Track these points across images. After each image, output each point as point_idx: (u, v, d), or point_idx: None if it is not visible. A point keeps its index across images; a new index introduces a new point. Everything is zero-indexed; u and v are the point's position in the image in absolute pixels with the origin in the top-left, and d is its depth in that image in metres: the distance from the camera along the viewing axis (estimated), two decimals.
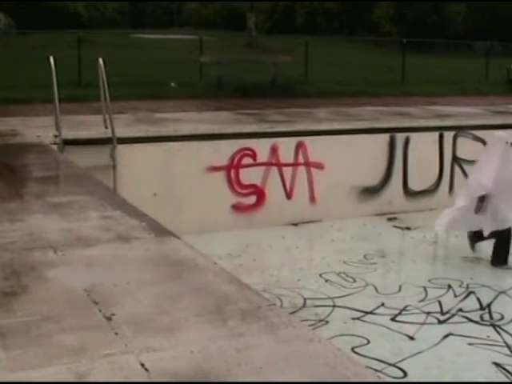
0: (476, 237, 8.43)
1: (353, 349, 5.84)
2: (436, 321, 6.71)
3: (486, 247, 9.41)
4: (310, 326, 6.03)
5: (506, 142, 8.21)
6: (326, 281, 7.79)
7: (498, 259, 8.27)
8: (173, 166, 9.17)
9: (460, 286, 7.62)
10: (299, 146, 10.04)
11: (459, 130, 11.37)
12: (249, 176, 9.72)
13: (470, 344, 6.18)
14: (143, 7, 38.18)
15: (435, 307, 7.02)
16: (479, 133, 11.48)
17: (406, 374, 5.55)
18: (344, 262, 8.42)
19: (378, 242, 9.47)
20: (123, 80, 13.67)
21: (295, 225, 9.94)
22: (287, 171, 10.01)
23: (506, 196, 8.12)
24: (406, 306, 7.01)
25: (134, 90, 13.53)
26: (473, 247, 8.52)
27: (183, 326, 2.92)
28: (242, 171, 9.67)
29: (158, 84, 14.63)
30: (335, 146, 10.16)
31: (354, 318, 6.70)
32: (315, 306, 7.00)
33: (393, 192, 10.76)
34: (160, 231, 4.42)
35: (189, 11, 39.97)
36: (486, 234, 8.20)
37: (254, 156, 9.76)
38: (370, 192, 10.59)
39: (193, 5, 39.62)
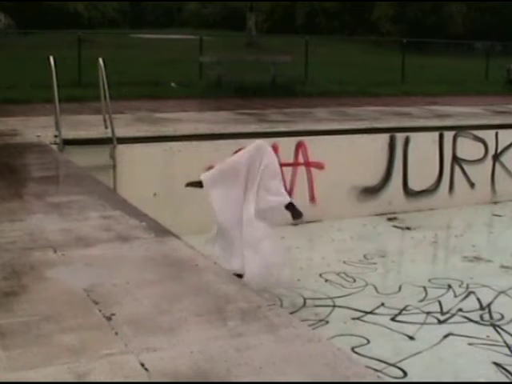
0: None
1: (353, 349, 5.83)
2: (436, 321, 6.70)
3: (485, 247, 9.42)
4: (310, 325, 6.03)
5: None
6: (326, 281, 7.79)
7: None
8: (173, 166, 9.17)
9: (460, 286, 7.62)
10: (299, 145, 10.04)
11: (459, 129, 11.38)
12: None
13: (470, 344, 6.17)
14: (143, 7, 38.17)
15: (435, 307, 7.01)
16: (479, 133, 11.50)
17: (405, 374, 5.54)
18: (344, 262, 8.41)
19: (378, 241, 9.46)
20: (123, 80, 13.67)
21: (295, 225, 9.93)
22: (287, 171, 9.99)
23: None
24: (406, 306, 7.01)
25: (134, 89, 13.53)
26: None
27: (183, 326, 2.92)
28: None
29: (158, 84, 14.63)
30: (335, 145, 10.16)
31: (353, 318, 6.69)
32: (315, 306, 7.00)
33: (393, 192, 10.75)
34: (160, 231, 4.42)
35: (189, 11, 39.97)
36: None
37: None
38: (370, 192, 10.58)
39: (193, 5, 39.62)
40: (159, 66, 17.48)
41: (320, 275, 7.92)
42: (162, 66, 17.54)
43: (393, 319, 6.69)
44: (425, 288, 7.53)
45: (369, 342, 6.11)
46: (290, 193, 9.98)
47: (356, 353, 5.73)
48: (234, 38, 26.87)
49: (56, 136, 8.48)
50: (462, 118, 12.04)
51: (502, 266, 8.39)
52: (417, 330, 6.43)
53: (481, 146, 11.55)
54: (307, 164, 10.09)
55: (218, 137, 9.54)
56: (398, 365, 5.68)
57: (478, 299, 7.24)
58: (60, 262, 3.78)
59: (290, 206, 6.83)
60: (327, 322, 6.60)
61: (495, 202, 11.70)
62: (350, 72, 18.24)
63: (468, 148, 11.44)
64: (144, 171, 8.93)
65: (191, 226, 8.37)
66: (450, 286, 7.61)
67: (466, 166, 11.42)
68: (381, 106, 13.16)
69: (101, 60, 8.90)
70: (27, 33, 23.61)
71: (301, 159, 10.07)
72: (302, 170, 10.07)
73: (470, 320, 6.72)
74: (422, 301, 7.18)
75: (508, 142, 11.82)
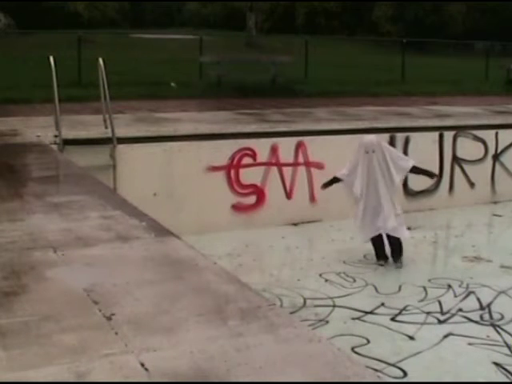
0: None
1: (353, 349, 5.84)
2: (436, 321, 6.71)
3: (485, 247, 9.41)
4: (309, 325, 6.04)
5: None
6: (326, 281, 7.79)
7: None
8: (173, 166, 9.17)
9: (460, 286, 7.62)
10: (299, 145, 10.04)
11: (459, 129, 11.38)
12: (249, 176, 9.72)
13: (470, 344, 6.17)
14: (143, 7, 38.11)
15: (435, 307, 7.02)
16: (479, 133, 11.50)
17: (405, 374, 5.54)
18: (344, 262, 8.42)
19: None
20: (123, 80, 13.68)
21: (295, 225, 9.94)
22: (287, 171, 10.01)
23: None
24: (406, 306, 7.01)
25: (134, 89, 13.54)
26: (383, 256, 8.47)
27: (183, 326, 2.92)
28: (241, 171, 9.67)
29: (158, 84, 14.63)
30: (335, 145, 10.16)
31: (353, 318, 6.70)
32: (315, 306, 7.00)
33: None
34: (160, 231, 4.41)
35: (189, 11, 39.94)
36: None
37: (253, 156, 9.76)
38: None
39: (193, 5, 39.58)
40: (159, 66, 17.48)
41: (320, 275, 7.93)
42: (162, 65, 17.54)
43: (393, 319, 6.70)
44: (425, 288, 7.53)
45: (369, 341, 6.11)
46: (290, 193, 10.05)
47: (356, 353, 5.73)
48: (234, 38, 26.85)
49: (56, 136, 8.49)
50: (461, 117, 12.04)
51: (502, 266, 8.39)
52: (417, 330, 6.43)
53: (481, 146, 11.55)
54: (307, 164, 10.09)
55: (218, 137, 9.55)
56: (398, 365, 5.68)
57: (478, 299, 7.25)
58: (60, 261, 3.78)
59: None
60: (327, 322, 6.60)
61: (495, 202, 11.70)
62: (350, 72, 18.24)
63: (468, 148, 11.44)
64: (144, 171, 8.93)
65: (191, 226, 8.38)
66: (450, 286, 7.61)
67: (465, 166, 11.42)
68: (381, 105, 13.16)
69: (101, 60, 8.90)
70: (27, 33, 23.58)
71: (301, 159, 10.07)
72: (302, 169, 10.07)
73: (470, 320, 6.72)
74: (422, 301, 7.18)
75: (508, 142, 11.83)
